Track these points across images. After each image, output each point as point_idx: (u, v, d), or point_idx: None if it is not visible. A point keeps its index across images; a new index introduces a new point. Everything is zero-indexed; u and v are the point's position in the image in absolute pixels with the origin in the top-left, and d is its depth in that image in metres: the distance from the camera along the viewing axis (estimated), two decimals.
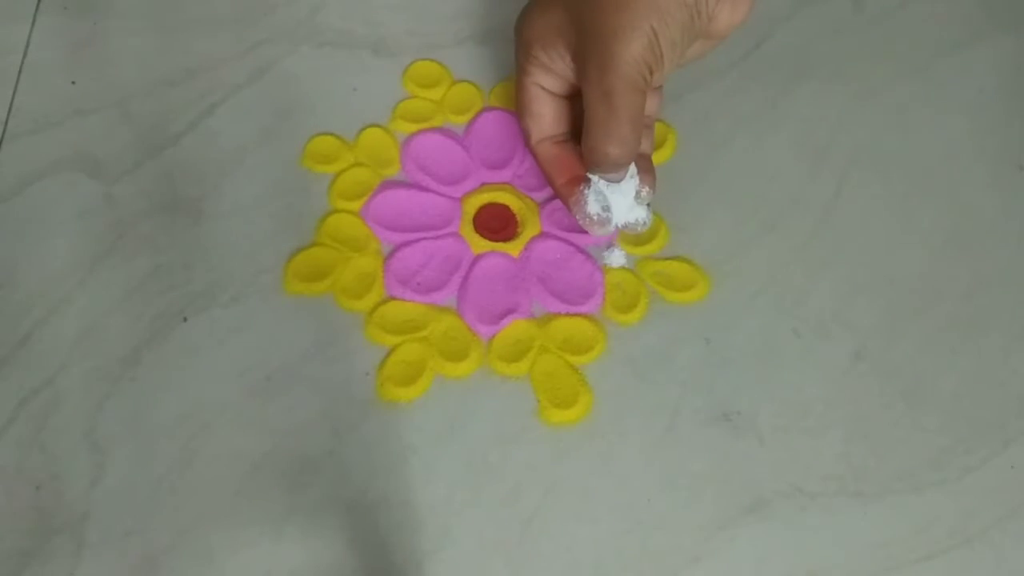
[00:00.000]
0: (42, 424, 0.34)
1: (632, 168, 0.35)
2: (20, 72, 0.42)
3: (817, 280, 0.38)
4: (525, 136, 0.37)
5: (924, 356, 0.37)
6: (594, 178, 0.35)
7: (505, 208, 0.40)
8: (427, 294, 0.37)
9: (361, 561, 0.32)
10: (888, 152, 0.42)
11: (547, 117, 0.36)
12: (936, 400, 0.36)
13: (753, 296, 0.38)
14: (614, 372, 0.36)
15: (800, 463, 0.34)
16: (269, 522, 0.32)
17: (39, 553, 0.31)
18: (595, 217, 0.36)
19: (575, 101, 0.36)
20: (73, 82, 0.42)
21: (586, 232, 0.37)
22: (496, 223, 0.39)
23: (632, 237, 0.39)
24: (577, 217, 0.36)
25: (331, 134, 0.41)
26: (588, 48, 0.32)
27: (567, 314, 0.37)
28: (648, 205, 0.36)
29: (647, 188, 0.36)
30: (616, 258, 0.38)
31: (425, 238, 0.38)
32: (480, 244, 0.39)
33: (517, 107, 0.37)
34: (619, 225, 0.36)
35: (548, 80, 0.35)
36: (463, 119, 0.42)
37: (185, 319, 0.36)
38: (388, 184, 0.40)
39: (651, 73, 0.32)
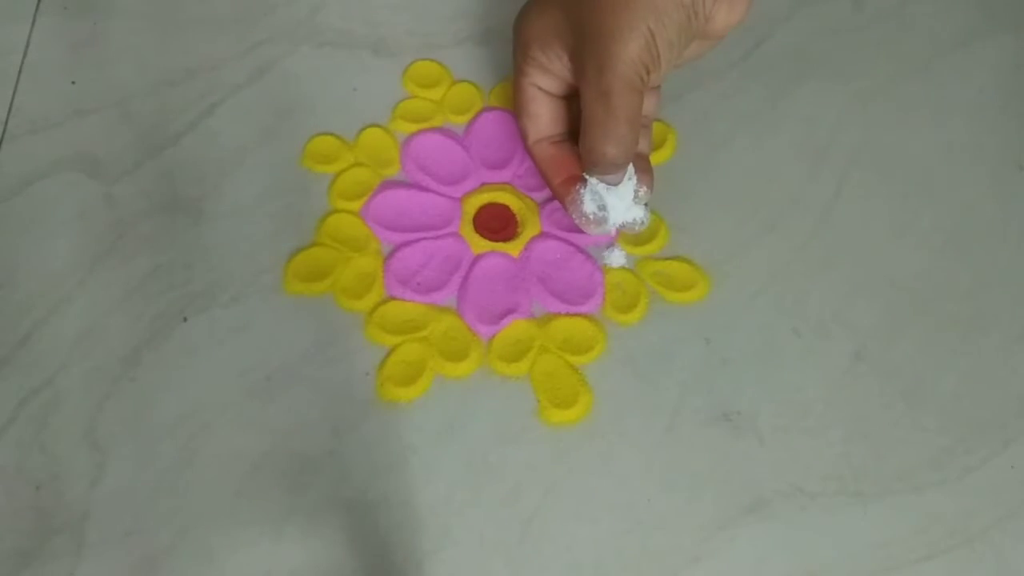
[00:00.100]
0: (42, 424, 0.34)
1: (630, 168, 0.35)
2: (20, 72, 0.42)
3: (817, 280, 0.38)
4: (523, 136, 0.37)
5: (924, 356, 0.37)
6: (591, 178, 0.35)
7: (505, 208, 0.40)
8: (427, 294, 0.37)
9: (361, 561, 0.32)
10: (888, 152, 0.42)
11: (544, 117, 0.36)
12: (936, 400, 0.36)
13: (753, 296, 0.38)
14: (614, 372, 0.36)
15: (800, 463, 0.34)
16: (269, 522, 0.32)
17: (39, 553, 0.31)
18: (591, 216, 0.36)
19: (572, 102, 0.36)
20: (73, 82, 0.42)
21: (586, 232, 0.37)
22: (496, 223, 0.39)
23: (632, 237, 0.39)
24: (573, 216, 0.36)
25: (331, 134, 0.41)
26: (585, 48, 0.32)
27: (567, 314, 0.37)
28: (646, 205, 0.36)
29: (644, 188, 0.36)
30: (616, 258, 0.38)
31: (425, 238, 0.38)
32: (480, 244, 0.39)
33: (515, 107, 0.37)
34: (617, 225, 0.36)
35: (545, 81, 0.35)
36: (463, 119, 0.42)
37: (185, 319, 0.36)
38: (388, 184, 0.40)
39: (648, 73, 0.32)
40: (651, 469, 0.34)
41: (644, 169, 0.36)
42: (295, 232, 0.38)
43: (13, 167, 0.39)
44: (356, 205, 0.39)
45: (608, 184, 0.35)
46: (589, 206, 0.35)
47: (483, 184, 0.40)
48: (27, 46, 0.43)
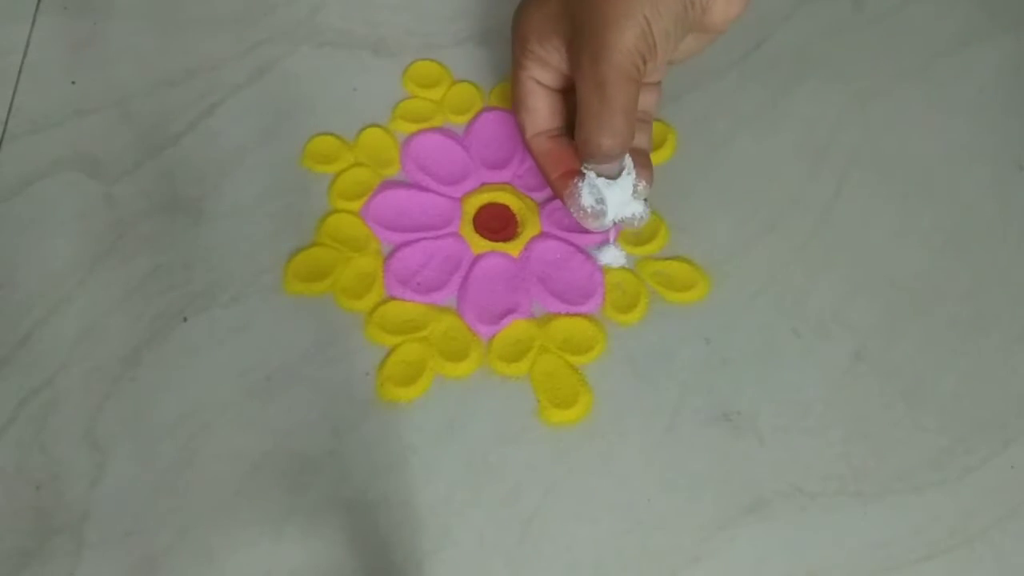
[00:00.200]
0: (42, 424, 0.34)
1: (628, 162, 0.35)
2: (20, 72, 0.42)
3: (817, 280, 0.38)
4: (520, 130, 0.37)
5: (924, 356, 0.37)
6: (589, 172, 0.35)
7: (505, 208, 0.40)
8: (427, 294, 0.37)
9: (361, 561, 0.32)
10: (888, 152, 0.42)
11: (542, 111, 0.36)
12: (936, 400, 0.36)
13: (753, 296, 0.38)
14: (614, 372, 0.36)
15: (800, 463, 0.34)
16: (269, 522, 0.32)
17: (39, 553, 0.31)
18: (589, 210, 0.35)
19: (571, 96, 0.36)
20: (73, 82, 0.42)
21: (586, 232, 0.37)
22: (496, 223, 0.39)
23: (632, 237, 0.39)
24: (571, 210, 0.36)
25: (331, 134, 0.41)
26: (581, 38, 0.32)
27: (567, 314, 0.37)
28: (645, 200, 0.36)
29: (643, 183, 0.36)
30: (614, 258, 0.38)
31: (425, 238, 0.38)
32: (480, 244, 0.39)
33: (513, 101, 0.37)
34: (615, 220, 0.36)
35: (543, 74, 0.35)
36: (463, 119, 0.42)
37: (185, 319, 0.36)
38: (388, 184, 0.40)
39: (644, 63, 0.32)
40: (651, 469, 0.34)
41: (644, 165, 0.36)
42: (295, 232, 0.38)
43: (13, 167, 0.39)
44: (356, 205, 0.39)
45: (606, 177, 0.35)
46: (587, 199, 0.35)
47: (483, 184, 0.40)
48: (27, 46, 0.43)
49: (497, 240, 0.39)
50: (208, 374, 0.35)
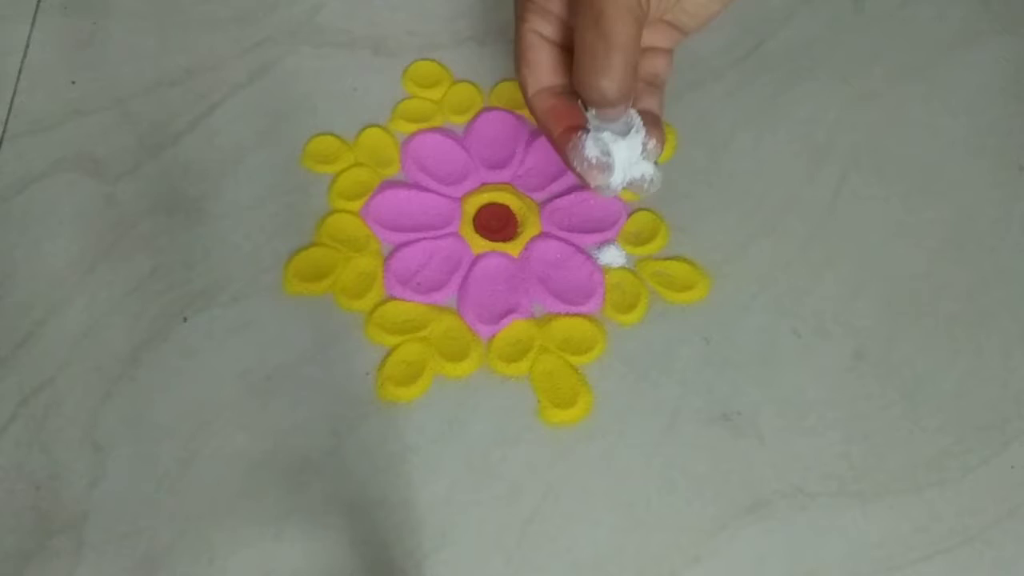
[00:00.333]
0: (42, 424, 0.34)
1: (637, 121, 0.32)
2: (20, 72, 0.42)
3: (817, 280, 0.38)
4: (522, 89, 0.34)
5: (924, 356, 0.37)
6: (593, 126, 0.31)
7: (505, 208, 0.40)
8: (427, 294, 0.37)
9: (361, 561, 0.32)
10: (888, 152, 0.42)
11: (543, 65, 0.33)
12: (936, 400, 0.36)
13: (753, 296, 0.38)
14: (614, 372, 0.36)
15: (800, 463, 0.34)
16: (269, 522, 0.32)
17: (39, 553, 0.31)
18: (594, 160, 0.31)
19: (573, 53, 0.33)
20: (73, 82, 0.42)
21: (586, 232, 0.37)
22: (496, 223, 0.39)
23: (632, 237, 0.39)
24: (575, 165, 0.32)
25: (331, 134, 0.41)
26: None
27: (567, 314, 0.37)
28: (656, 164, 0.33)
29: (654, 141, 0.32)
30: (614, 258, 0.38)
31: (425, 238, 0.38)
32: (480, 244, 0.39)
33: (515, 58, 0.34)
34: (624, 181, 0.32)
35: (545, 26, 0.33)
36: (463, 119, 0.42)
37: (185, 319, 0.36)
38: (388, 184, 0.40)
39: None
40: (651, 469, 0.34)
41: (655, 125, 0.33)
42: (295, 232, 0.38)
43: (13, 167, 0.39)
44: (356, 205, 0.39)
45: (609, 129, 0.31)
46: (592, 150, 0.31)
47: (483, 184, 0.40)
48: (27, 46, 0.43)
49: (497, 240, 0.39)
50: (208, 374, 0.35)
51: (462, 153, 0.41)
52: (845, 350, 0.37)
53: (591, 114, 0.31)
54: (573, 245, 0.39)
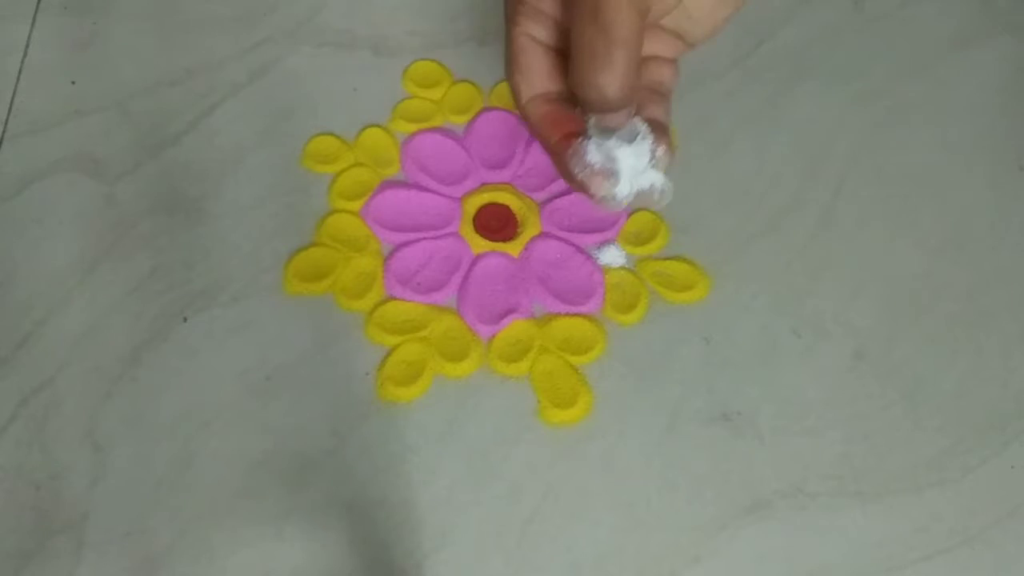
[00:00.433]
0: (42, 424, 0.34)
1: (643, 127, 0.29)
2: (20, 72, 0.42)
3: (817, 280, 0.38)
4: (515, 96, 0.31)
5: (924, 356, 0.37)
6: (595, 134, 0.29)
7: (505, 208, 0.40)
8: (427, 294, 0.37)
9: (361, 561, 0.32)
10: (888, 152, 0.42)
11: (537, 69, 0.32)
12: (936, 400, 0.36)
13: (753, 296, 0.38)
14: (614, 372, 0.36)
15: (800, 463, 0.34)
16: (269, 522, 0.32)
17: (39, 553, 0.31)
18: (597, 166, 0.29)
19: (569, 57, 0.32)
20: (73, 82, 0.42)
21: (586, 232, 0.37)
22: (496, 223, 0.39)
23: (632, 237, 0.39)
24: (576, 172, 0.29)
25: (331, 134, 0.41)
26: None
27: (567, 314, 0.37)
28: (665, 173, 0.30)
29: (663, 147, 0.29)
30: (614, 258, 0.38)
31: (425, 238, 0.38)
32: (480, 244, 0.39)
33: (505, 64, 0.33)
34: (632, 192, 0.30)
35: (538, 28, 0.31)
36: (463, 119, 0.42)
37: (185, 319, 0.36)
38: (388, 184, 0.40)
39: None
40: (651, 469, 0.34)
41: (662, 132, 0.30)
42: (295, 232, 0.38)
43: (13, 167, 0.39)
44: (356, 205, 0.39)
45: (611, 132, 0.29)
46: (595, 156, 0.29)
47: (483, 184, 0.40)
48: (27, 46, 0.43)
49: (497, 240, 0.39)
50: (208, 374, 0.35)
51: (462, 153, 0.41)
52: (845, 350, 0.37)
53: (591, 123, 0.29)
54: (573, 245, 0.39)
